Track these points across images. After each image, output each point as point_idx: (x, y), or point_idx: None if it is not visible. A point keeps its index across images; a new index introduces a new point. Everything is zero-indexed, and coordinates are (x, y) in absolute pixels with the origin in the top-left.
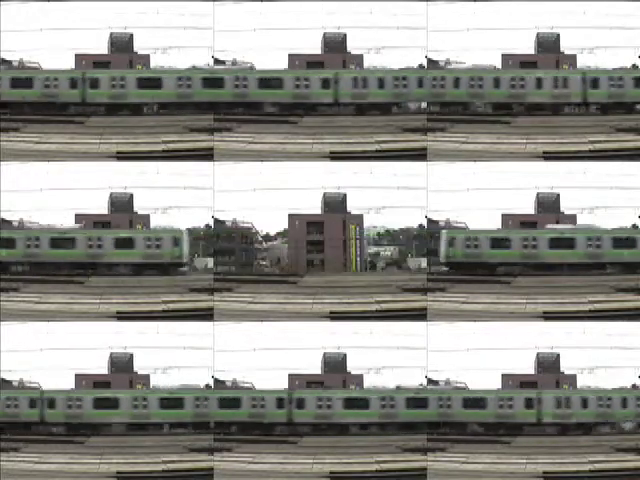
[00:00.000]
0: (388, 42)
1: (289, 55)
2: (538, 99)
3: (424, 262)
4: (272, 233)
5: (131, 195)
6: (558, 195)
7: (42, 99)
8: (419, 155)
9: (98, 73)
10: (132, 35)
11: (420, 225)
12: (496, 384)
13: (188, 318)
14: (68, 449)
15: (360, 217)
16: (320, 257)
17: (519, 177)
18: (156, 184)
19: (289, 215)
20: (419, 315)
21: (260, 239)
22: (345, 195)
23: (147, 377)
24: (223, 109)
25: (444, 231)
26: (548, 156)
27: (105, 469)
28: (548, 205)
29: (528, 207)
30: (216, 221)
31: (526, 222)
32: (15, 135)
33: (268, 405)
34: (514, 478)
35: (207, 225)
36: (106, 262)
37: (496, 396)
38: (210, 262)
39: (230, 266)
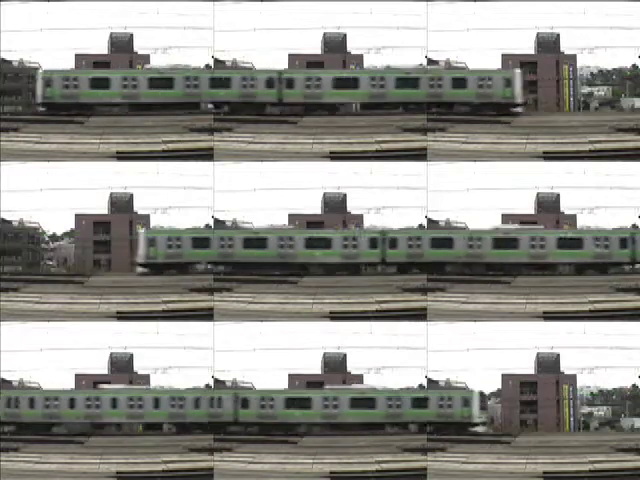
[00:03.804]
0: (388, 42)
1: (289, 55)
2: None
3: None
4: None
5: (131, 195)
6: (558, 195)
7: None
8: (419, 155)
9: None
10: (132, 35)
11: (420, 225)
12: (496, 384)
13: (188, 318)
14: (68, 449)
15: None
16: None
17: (519, 177)
18: (156, 184)
19: (289, 215)
20: (419, 315)
21: None
22: (345, 195)
23: (147, 377)
24: None
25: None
26: (548, 156)
27: (105, 469)
28: (548, 205)
29: (528, 207)
30: (216, 221)
31: (526, 222)
32: (15, 135)
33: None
34: (514, 478)
35: (207, 225)
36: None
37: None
38: None
39: None
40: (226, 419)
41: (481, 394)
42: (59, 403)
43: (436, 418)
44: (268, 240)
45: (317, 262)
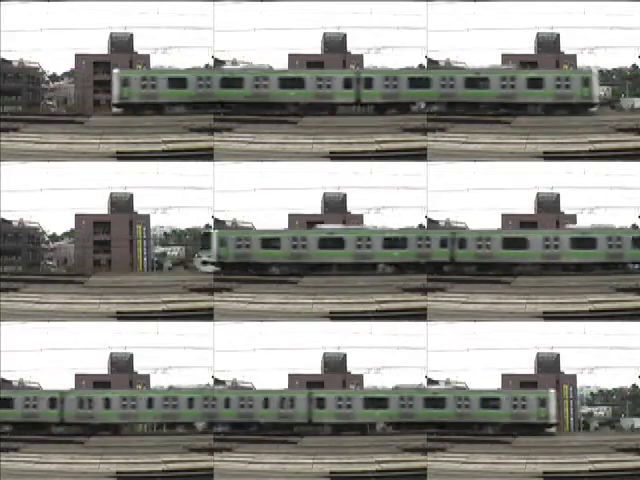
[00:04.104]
0: (388, 42)
1: (289, 55)
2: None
3: None
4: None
5: (131, 195)
6: (558, 195)
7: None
8: (419, 155)
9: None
10: (132, 35)
11: (420, 225)
12: (496, 384)
13: (188, 318)
14: (68, 449)
15: None
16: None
17: (519, 177)
18: (156, 184)
19: (289, 215)
20: (419, 315)
21: None
22: (345, 195)
23: (147, 377)
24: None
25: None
26: (548, 156)
27: (105, 469)
28: (548, 205)
29: (528, 207)
30: (216, 221)
31: (526, 222)
32: (15, 135)
33: None
34: (514, 478)
35: (207, 225)
36: None
37: None
38: None
39: None
40: (299, 420)
41: None
42: (136, 403)
43: (510, 419)
44: (345, 240)
45: (392, 262)
